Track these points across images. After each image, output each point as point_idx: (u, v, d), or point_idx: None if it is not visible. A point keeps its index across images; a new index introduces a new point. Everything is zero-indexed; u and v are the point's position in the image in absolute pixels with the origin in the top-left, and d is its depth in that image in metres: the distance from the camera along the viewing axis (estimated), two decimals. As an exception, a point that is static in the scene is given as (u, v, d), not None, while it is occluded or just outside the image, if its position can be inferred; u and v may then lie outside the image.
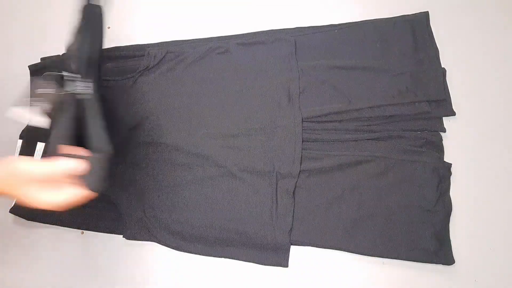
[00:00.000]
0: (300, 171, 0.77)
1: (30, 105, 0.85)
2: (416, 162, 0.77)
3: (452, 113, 0.81)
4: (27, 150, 0.83)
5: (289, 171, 0.77)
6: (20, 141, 0.84)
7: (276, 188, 0.77)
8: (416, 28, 0.86)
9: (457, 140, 0.81)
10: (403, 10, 0.89)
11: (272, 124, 0.80)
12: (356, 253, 0.74)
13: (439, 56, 0.84)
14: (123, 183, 0.79)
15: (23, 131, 0.85)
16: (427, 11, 0.88)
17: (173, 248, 0.77)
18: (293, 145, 0.79)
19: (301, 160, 0.78)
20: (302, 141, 0.79)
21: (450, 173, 0.77)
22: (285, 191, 0.77)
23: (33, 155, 0.83)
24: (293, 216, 0.75)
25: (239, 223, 0.77)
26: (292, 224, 0.75)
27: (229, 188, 0.79)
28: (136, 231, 0.77)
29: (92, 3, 0.65)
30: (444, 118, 0.82)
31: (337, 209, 0.76)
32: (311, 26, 0.90)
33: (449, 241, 0.73)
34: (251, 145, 0.80)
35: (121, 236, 0.78)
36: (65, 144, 0.55)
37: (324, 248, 0.75)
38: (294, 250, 0.76)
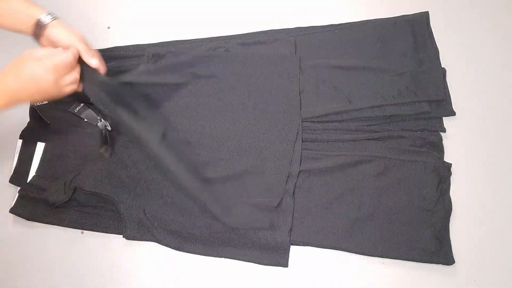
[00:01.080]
0: (300, 171, 0.77)
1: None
2: (416, 162, 0.77)
3: (452, 113, 0.81)
4: (27, 150, 0.83)
5: (288, 171, 0.77)
6: (20, 141, 0.84)
7: (276, 188, 0.77)
8: (416, 28, 0.86)
9: (457, 140, 0.81)
10: (403, 10, 0.89)
11: (271, 129, 0.80)
12: (356, 253, 0.74)
13: (439, 56, 0.84)
14: (124, 183, 0.79)
15: (23, 131, 0.85)
16: (427, 11, 0.88)
17: (173, 248, 0.77)
18: (293, 145, 0.78)
19: (301, 160, 0.78)
20: (302, 141, 0.79)
21: (450, 173, 0.77)
22: (285, 191, 0.77)
23: (33, 155, 0.83)
24: (293, 216, 0.75)
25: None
26: (292, 224, 0.75)
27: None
28: (136, 231, 0.77)
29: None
30: (444, 118, 0.82)
31: (337, 209, 0.76)
32: (311, 26, 0.90)
33: (449, 241, 0.73)
34: (251, 146, 0.80)
35: (121, 236, 0.78)
36: None
37: (324, 248, 0.75)
38: (294, 250, 0.76)
